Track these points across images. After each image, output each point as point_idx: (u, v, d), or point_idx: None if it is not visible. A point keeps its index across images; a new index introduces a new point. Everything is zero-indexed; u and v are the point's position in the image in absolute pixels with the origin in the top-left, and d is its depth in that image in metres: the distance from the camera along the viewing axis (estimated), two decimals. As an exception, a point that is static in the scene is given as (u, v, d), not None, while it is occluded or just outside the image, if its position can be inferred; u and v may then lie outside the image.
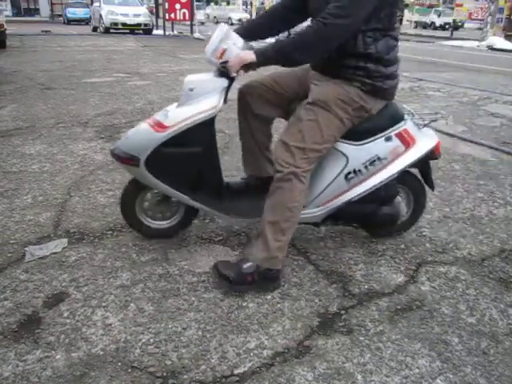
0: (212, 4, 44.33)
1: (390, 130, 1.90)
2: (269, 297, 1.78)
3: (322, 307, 1.73)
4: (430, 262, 2.08)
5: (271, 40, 1.89)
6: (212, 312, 1.68)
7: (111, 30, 16.56)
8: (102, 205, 2.52)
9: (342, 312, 1.71)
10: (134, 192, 2.05)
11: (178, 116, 1.82)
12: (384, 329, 1.62)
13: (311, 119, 1.76)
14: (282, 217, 1.75)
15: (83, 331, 1.56)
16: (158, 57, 9.69)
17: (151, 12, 18.14)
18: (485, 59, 11.64)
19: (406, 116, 1.96)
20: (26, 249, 2.06)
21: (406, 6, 40.00)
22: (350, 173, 1.90)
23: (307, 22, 1.75)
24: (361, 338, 1.57)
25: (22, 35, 14.22)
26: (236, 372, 1.41)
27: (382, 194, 1.98)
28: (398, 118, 1.92)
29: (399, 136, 1.91)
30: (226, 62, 1.71)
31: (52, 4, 31.39)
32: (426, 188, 2.17)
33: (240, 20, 27.87)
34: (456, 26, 24.80)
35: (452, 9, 24.45)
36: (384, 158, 1.90)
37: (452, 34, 22.00)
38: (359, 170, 1.90)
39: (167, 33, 16.40)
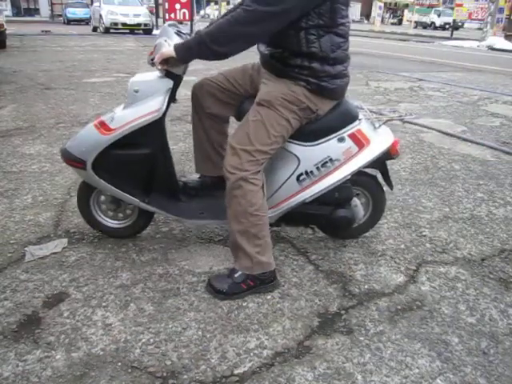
0: (212, 4, 44.34)
1: (343, 130, 1.85)
2: (269, 297, 1.78)
3: (322, 307, 1.73)
4: (430, 261, 2.08)
5: None
6: (212, 312, 1.68)
7: (111, 30, 16.56)
8: (102, 205, 2.52)
9: (342, 312, 1.71)
10: (87, 190, 2.04)
11: (123, 119, 1.81)
12: (384, 329, 1.62)
13: (256, 120, 1.71)
14: (249, 223, 1.70)
15: (83, 331, 1.56)
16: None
17: (151, 12, 18.13)
18: (485, 59, 11.64)
19: (360, 115, 1.91)
20: (25, 249, 2.06)
21: (406, 6, 40.06)
22: (301, 174, 1.87)
23: None
24: (361, 338, 1.57)
25: (22, 35, 14.22)
26: (236, 372, 1.41)
27: (337, 196, 1.95)
28: (351, 117, 1.87)
29: (352, 137, 1.86)
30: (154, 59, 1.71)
31: (52, 4, 31.38)
32: (390, 192, 2.14)
33: None
34: (456, 26, 24.80)
35: (452, 9, 24.41)
36: (336, 160, 1.86)
37: (452, 33, 22.00)
38: (311, 172, 1.87)
39: (167, 33, 16.38)
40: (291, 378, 1.39)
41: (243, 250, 1.73)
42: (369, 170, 2.07)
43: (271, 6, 1.51)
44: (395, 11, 44.50)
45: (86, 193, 2.05)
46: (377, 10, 26.89)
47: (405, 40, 19.18)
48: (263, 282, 1.78)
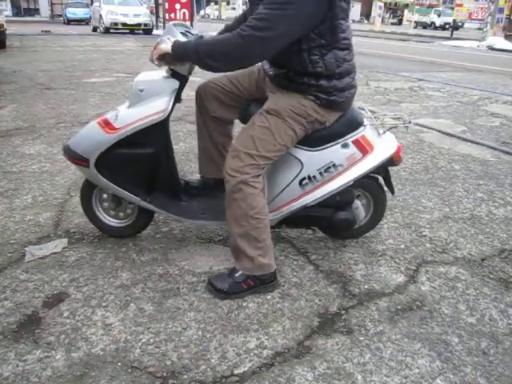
0: (212, 4, 44.33)
1: (347, 136, 1.84)
2: (269, 297, 1.78)
3: (322, 307, 1.73)
4: (430, 261, 2.08)
5: None
6: (212, 312, 1.68)
7: (111, 30, 16.56)
8: (102, 205, 2.52)
9: (342, 312, 1.71)
10: (89, 187, 2.04)
11: (128, 118, 1.80)
12: (384, 329, 1.62)
13: (264, 126, 1.70)
14: (249, 226, 1.70)
15: (83, 331, 1.56)
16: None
17: (151, 12, 18.13)
18: (485, 59, 11.64)
19: (365, 122, 1.91)
20: (25, 249, 2.06)
21: (406, 6, 40.07)
22: (304, 179, 1.86)
23: None
24: (361, 338, 1.57)
25: (22, 35, 14.23)
26: (236, 372, 1.41)
27: (338, 199, 1.95)
28: (355, 124, 1.87)
29: (356, 143, 1.86)
30: None
31: (52, 4, 31.37)
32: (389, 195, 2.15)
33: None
34: (456, 26, 24.80)
35: (452, 9, 24.42)
36: (340, 165, 1.86)
37: (452, 33, 22.00)
38: (314, 177, 1.86)
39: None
40: (291, 378, 1.39)
41: (244, 252, 1.73)
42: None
43: (264, 31, 1.48)
44: (395, 11, 44.51)
45: (88, 191, 2.05)
46: (377, 10, 26.90)
47: (405, 40, 19.18)
48: (263, 282, 1.78)
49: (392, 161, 1.98)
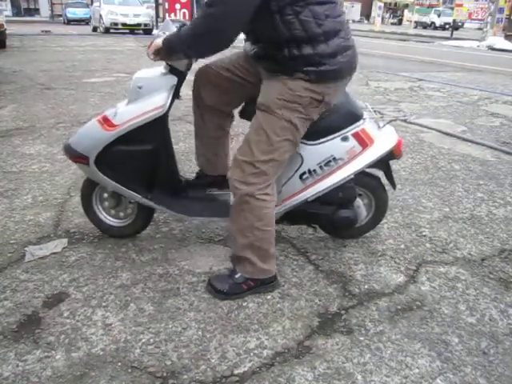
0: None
1: (347, 129, 1.83)
2: (269, 297, 1.78)
3: (322, 307, 1.73)
4: (430, 261, 2.08)
5: None
6: (212, 312, 1.68)
7: (111, 30, 16.56)
8: (102, 205, 2.52)
9: (342, 312, 1.71)
10: (90, 187, 2.05)
11: (127, 115, 1.81)
12: (384, 329, 1.62)
13: (255, 127, 1.61)
14: (254, 237, 1.67)
15: (83, 331, 1.56)
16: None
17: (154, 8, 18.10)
18: (485, 59, 11.64)
19: (364, 115, 1.89)
20: (25, 249, 2.06)
21: (406, 6, 40.06)
22: (304, 173, 1.86)
23: None
24: (361, 338, 1.57)
25: (22, 35, 14.22)
26: (236, 372, 1.41)
27: (340, 196, 1.94)
28: (355, 117, 1.86)
29: (356, 136, 1.85)
30: None
31: (52, 4, 31.42)
32: (390, 193, 2.14)
33: None
34: (456, 26, 24.81)
35: (452, 9, 24.42)
36: (340, 159, 1.85)
37: (452, 33, 22.00)
38: (314, 170, 1.85)
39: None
40: (291, 378, 1.39)
41: (248, 260, 1.72)
42: (372, 171, 2.07)
43: (217, 2, 1.42)
44: (395, 11, 44.49)
45: (89, 190, 2.06)
46: (377, 10, 26.92)
47: (405, 40, 19.17)
48: (263, 283, 1.78)
49: (393, 154, 1.97)
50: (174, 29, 1.72)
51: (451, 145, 3.89)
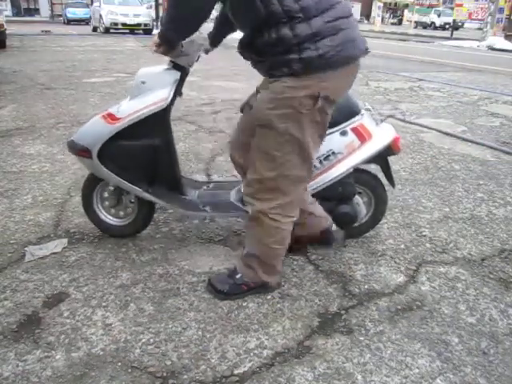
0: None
1: (346, 124, 1.87)
2: (269, 297, 1.77)
3: (322, 307, 1.73)
4: (430, 261, 2.08)
5: None
6: (212, 312, 1.68)
7: (111, 30, 16.56)
8: (102, 205, 2.52)
9: (342, 312, 1.71)
10: (91, 186, 2.06)
11: (130, 108, 1.84)
12: (384, 329, 1.62)
13: (256, 144, 1.54)
14: (262, 254, 1.67)
15: (83, 331, 1.56)
16: (158, 57, 9.67)
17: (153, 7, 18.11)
18: (485, 59, 11.64)
19: (362, 110, 1.93)
20: (25, 249, 2.06)
21: (406, 6, 40.05)
22: None
23: None
24: (361, 338, 1.57)
25: (22, 35, 14.22)
26: (236, 372, 1.41)
27: (340, 191, 1.97)
28: (354, 112, 1.89)
29: (355, 130, 1.89)
30: None
31: (52, 4, 31.42)
32: (389, 193, 2.15)
33: None
34: (456, 26, 24.81)
35: (452, 9, 24.43)
36: (339, 153, 1.88)
37: (452, 33, 22.00)
38: (314, 165, 1.84)
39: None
40: (291, 378, 1.39)
41: (252, 268, 1.72)
42: (371, 169, 2.07)
43: None
44: (395, 11, 44.48)
45: (89, 189, 2.07)
46: (377, 10, 26.92)
47: (405, 40, 19.18)
48: (264, 285, 1.77)
49: (391, 150, 2.00)
50: None
51: (451, 145, 3.89)
